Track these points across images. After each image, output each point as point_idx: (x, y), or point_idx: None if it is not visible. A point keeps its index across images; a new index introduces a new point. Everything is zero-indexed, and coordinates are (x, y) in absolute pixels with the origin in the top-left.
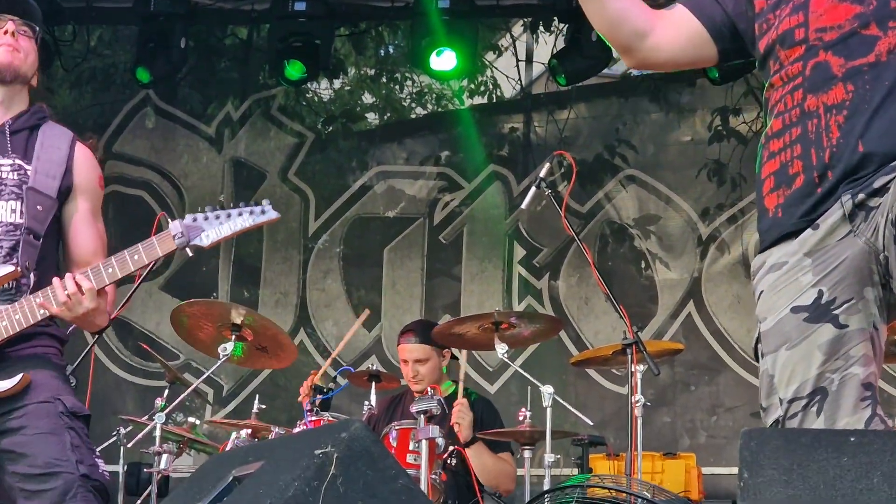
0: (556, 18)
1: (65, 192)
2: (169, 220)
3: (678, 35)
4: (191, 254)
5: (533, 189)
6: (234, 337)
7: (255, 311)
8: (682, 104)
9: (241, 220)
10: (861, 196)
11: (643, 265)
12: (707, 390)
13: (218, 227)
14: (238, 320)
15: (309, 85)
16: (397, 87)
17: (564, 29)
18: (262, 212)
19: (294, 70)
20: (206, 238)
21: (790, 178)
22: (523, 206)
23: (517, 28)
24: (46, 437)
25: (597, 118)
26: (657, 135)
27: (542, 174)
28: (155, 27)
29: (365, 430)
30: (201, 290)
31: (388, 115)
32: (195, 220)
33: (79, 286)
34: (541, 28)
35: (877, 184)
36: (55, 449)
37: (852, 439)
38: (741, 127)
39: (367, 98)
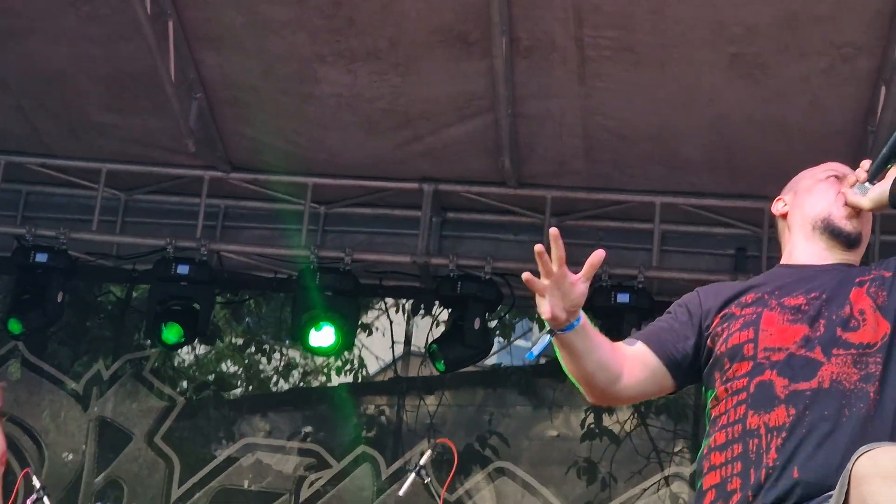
0: (437, 303)
1: None
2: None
3: (643, 373)
4: None
5: (412, 476)
6: None
7: None
8: (552, 399)
9: None
10: None
11: None
12: None
13: None
14: None
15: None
16: (264, 358)
17: (444, 314)
18: None
19: (171, 333)
20: None
21: (728, 494)
22: (401, 493)
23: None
24: None
25: (462, 407)
26: (526, 428)
27: (422, 462)
28: (33, 279)
29: None
30: None
31: (252, 386)
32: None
33: None
34: (422, 310)
35: None
36: None
37: None
38: (614, 426)
39: (230, 367)
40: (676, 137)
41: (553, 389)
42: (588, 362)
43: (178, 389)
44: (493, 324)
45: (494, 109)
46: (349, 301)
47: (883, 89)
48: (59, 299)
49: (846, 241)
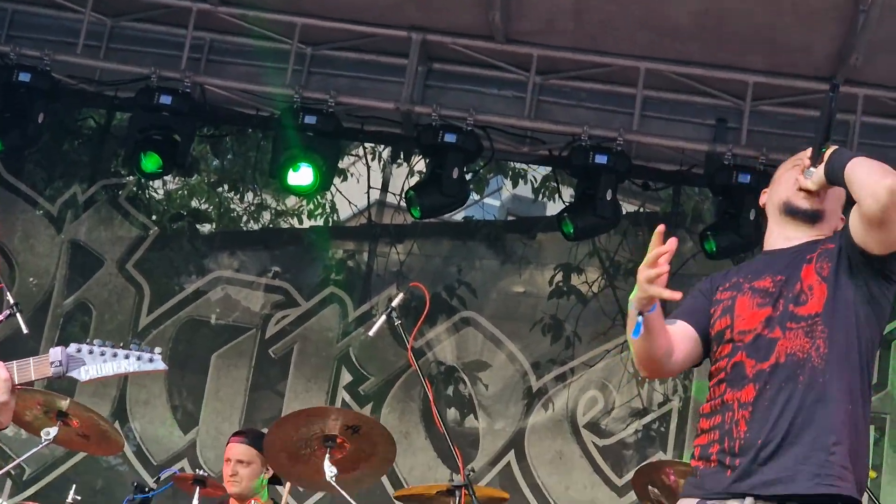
0: (415, 152)
1: None
2: (8, 294)
3: (688, 346)
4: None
5: (383, 317)
6: (59, 423)
7: (81, 405)
8: (520, 255)
9: (126, 362)
10: None
11: (466, 410)
12: None
13: (100, 365)
14: (64, 408)
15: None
16: (237, 197)
17: (422, 163)
18: (150, 360)
19: (150, 162)
20: (85, 373)
21: (708, 455)
22: (371, 333)
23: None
24: None
25: (431, 257)
26: (493, 282)
27: (394, 304)
28: (15, 98)
29: None
30: None
31: (222, 224)
32: (79, 350)
33: None
34: (400, 158)
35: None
36: None
37: None
38: (582, 286)
39: (201, 204)
40: (667, 2)
41: (523, 244)
42: (658, 339)
43: (153, 219)
44: (467, 177)
45: None
46: (330, 143)
47: None
48: (40, 120)
49: (806, 217)
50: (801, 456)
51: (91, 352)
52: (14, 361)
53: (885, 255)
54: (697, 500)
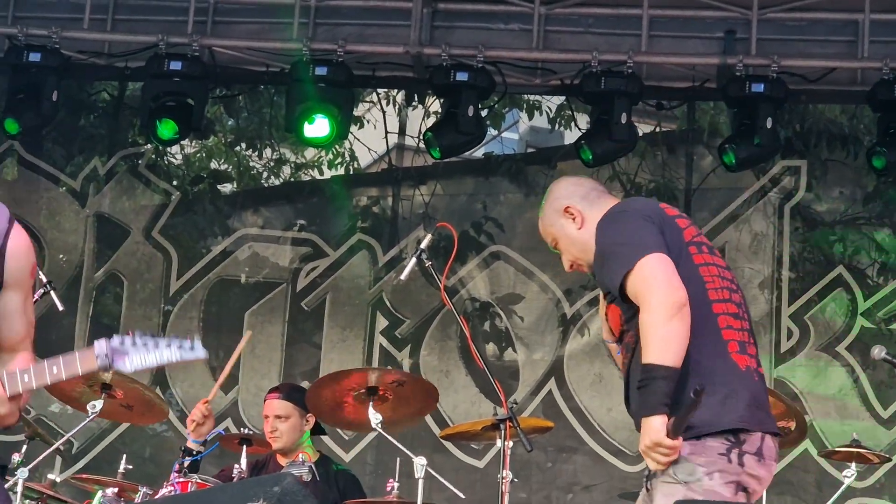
0: (430, 92)
1: None
2: (41, 273)
3: None
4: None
5: (413, 260)
6: (103, 395)
7: (124, 376)
8: (543, 185)
9: (168, 352)
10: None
11: (504, 344)
12: (564, 468)
13: (144, 355)
14: (108, 380)
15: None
16: (255, 154)
17: (436, 103)
18: (192, 348)
19: (166, 129)
20: (130, 364)
21: None
22: (402, 276)
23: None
24: None
25: (455, 196)
26: (519, 215)
27: (423, 245)
28: (26, 78)
29: (296, 484)
30: (57, 346)
31: (243, 182)
32: (122, 342)
33: None
34: (415, 101)
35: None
36: None
37: None
38: None
39: (220, 164)
40: None
41: (544, 175)
42: None
43: (174, 184)
44: (483, 113)
45: None
46: (343, 92)
47: None
48: (54, 98)
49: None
50: None
51: (134, 343)
52: (60, 356)
53: None
54: None
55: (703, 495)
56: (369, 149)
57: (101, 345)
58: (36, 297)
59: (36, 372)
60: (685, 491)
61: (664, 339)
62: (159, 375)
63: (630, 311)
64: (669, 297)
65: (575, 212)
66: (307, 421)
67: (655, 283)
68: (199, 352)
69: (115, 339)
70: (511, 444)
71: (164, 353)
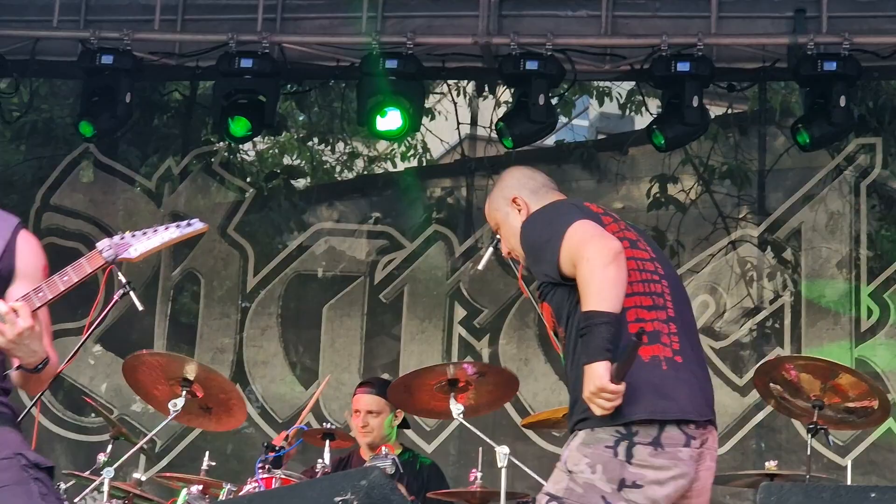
0: (500, 82)
1: (6, 275)
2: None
3: None
4: (125, 289)
5: (490, 249)
6: (184, 392)
7: (210, 368)
8: (615, 172)
9: (168, 233)
10: None
11: None
12: None
13: (146, 241)
14: (190, 375)
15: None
16: (328, 149)
17: (507, 93)
18: (189, 224)
19: (239, 127)
20: (135, 251)
21: None
22: (480, 266)
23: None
24: (13, 489)
25: None
26: (592, 201)
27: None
28: (100, 81)
29: (383, 477)
30: (137, 345)
31: (316, 177)
32: (122, 237)
33: (12, 308)
34: (485, 91)
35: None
36: (23, 500)
37: (872, 495)
38: (679, 195)
39: (293, 160)
40: None
41: (616, 161)
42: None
43: (248, 181)
44: (553, 101)
45: None
46: (413, 84)
47: None
48: (128, 100)
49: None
50: None
51: (134, 235)
52: (68, 266)
53: None
54: None
55: (582, 488)
56: (441, 140)
57: (102, 242)
58: (115, 297)
59: (48, 285)
60: (568, 481)
61: (601, 286)
62: (238, 372)
63: (561, 307)
64: (604, 247)
65: (522, 203)
66: (396, 416)
67: (587, 237)
68: (198, 224)
69: (116, 236)
70: None
71: (164, 234)
